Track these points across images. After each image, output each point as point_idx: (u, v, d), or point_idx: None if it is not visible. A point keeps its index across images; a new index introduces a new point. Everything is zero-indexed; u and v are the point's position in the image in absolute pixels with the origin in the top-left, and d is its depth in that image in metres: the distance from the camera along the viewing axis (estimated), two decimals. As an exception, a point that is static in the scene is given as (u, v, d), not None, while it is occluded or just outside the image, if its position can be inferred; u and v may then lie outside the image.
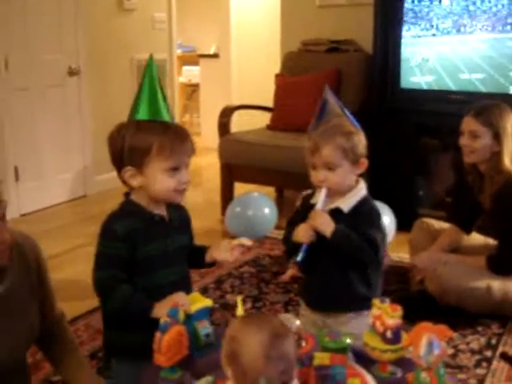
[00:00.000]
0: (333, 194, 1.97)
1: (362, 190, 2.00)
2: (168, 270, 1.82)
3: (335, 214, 1.96)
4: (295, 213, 2.17)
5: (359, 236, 1.91)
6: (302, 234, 1.95)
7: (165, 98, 1.80)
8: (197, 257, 1.94)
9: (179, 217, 1.90)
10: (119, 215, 1.80)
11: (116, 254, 1.74)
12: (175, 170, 1.75)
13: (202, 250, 1.94)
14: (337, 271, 1.99)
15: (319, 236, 1.93)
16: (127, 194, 1.84)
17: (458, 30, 4.00)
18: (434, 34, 4.12)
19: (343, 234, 1.91)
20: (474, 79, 3.96)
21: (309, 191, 2.12)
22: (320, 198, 1.96)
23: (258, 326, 1.28)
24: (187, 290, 1.86)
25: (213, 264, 1.95)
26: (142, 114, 1.75)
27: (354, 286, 1.99)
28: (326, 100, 2.04)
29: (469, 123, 2.88)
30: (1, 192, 1.67)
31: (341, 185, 1.96)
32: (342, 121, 2.00)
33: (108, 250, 1.76)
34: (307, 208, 2.02)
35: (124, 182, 1.80)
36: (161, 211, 1.83)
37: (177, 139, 1.74)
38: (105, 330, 1.88)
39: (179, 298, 1.69)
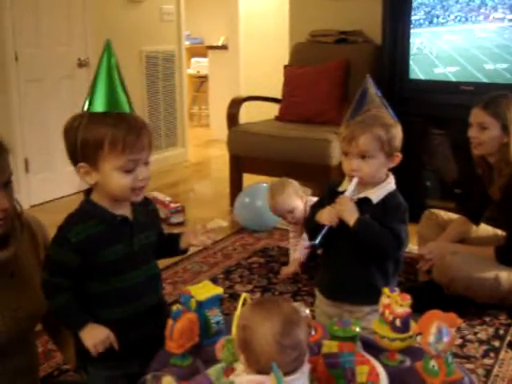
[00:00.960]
0: (363, 184, 1.97)
1: (391, 183, 2.00)
2: (136, 270, 1.74)
3: (363, 203, 1.96)
4: (320, 198, 2.18)
5: (384, 229, 1.91)
6: (326, 216, 1.95)
7: (124, 89, 1.67)
8: (170, 244, 1.88)
9: (145, 213, 1.79)
10: (76, 219, 1.69)
11: (65, 262, 1.66)
12: (130, 170, 1.62)
13: (176, 237, 1.88)
14: (356, 262, 2.00)
15: (342, 224, 1.94)
16: (87, 193, 1.73)
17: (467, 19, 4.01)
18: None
19: (366, 223, 1.92)
20: (486, 69, 3.96)
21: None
22: (350, 187, 1.96)
23: (269, 313, 1.29)
24: (157, 288, 1.84)
25: (186, 250, 1.90)
26: (98, 106, 1.63)
27: (372, 278, 1.99)
28: (365, 89, 2.02)
29: (477, 115, 2.87)
30: (7, 161, 1.66)
31: (373, 176, 1.96)
32: (381, 112, 1.99)
33: (58, 257, 1.67)
34: (332, 194, 2.02)
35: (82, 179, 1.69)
36: (123, 210, 1.72)
37: (130, 133, 1.59)
38: (75, 336, 1.77)
39: (101, 334, 1.64)
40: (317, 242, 1.95)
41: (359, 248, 1.97)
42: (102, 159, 1.60)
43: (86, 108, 1.65)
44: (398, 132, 1.97)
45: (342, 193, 1.99)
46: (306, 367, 1.33)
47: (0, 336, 1.73)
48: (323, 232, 1.94)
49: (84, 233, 1.65)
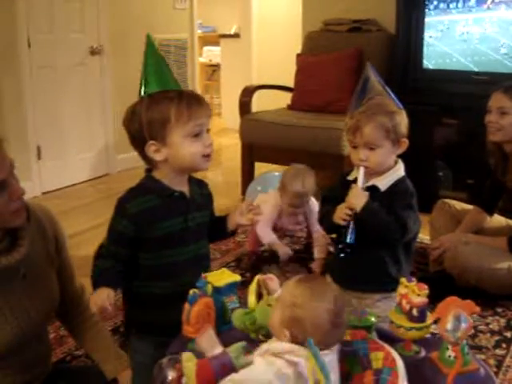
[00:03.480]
0: (371, 172, 1.96)
1: (399, 170, 1.99)
2: (188, 246, 1.81)
3: (371, 191, 1.95)
4: (330, 189, 2.17)
5: (390, 215, 1.90)
6: (338, 214, 1.94)
7: (171, 72, 1.78)
8: (219, 227, 1.93)
9: (200, 193, 1.87)
10: (135, 192, 1.79)
11: (122, 232, 1.76)
12: (197, 134, 1.72)
13: (223, 219, 1.93)
14: (368, 249, 1.98)
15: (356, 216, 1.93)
16: (148, 171, 1.82)
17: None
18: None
19: (372, 210, 1.90)
20: (501, 58, 3.93)
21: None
22: (359, 178, 1.94)
23: (322, 292, 1.34)
24: (206, 267, 1.87)
25: (234, 231, 1.95)
26: (152, 87, 1.72)
27: (384, 265, 1.99)
28: (367, 77, 2.01)
29: (497, 100, 2.84)
30: (5, 150, 1.64)
31: (381, 165, 1.95)
32: (384, 99, 1.98)
33: (116, 225, 1.77)
34: (344, 184, 2.01)
35: (147, 160, 1.78)
36: (182, 187, 1.81)
37: (193, 102, 1.71)
38: (124, 306, 1.90)
39: (101, 296, 1.69)
40: (349, 241, 1.92)
41: (367, 234, 1.95)
42: (170, 132, 1.70)
43: (142, 93, 1.74)
44: (402, 118, 1.95)
45: (352, 181, 1.98)
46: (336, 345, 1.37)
47: (14, 336, 1.73)
48: (349, 229, 1.92)
49: (142, 205, 1.75)
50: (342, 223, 1.92)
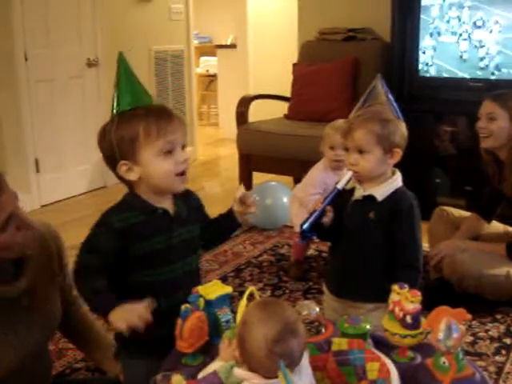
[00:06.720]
0: (366, 180, 1.97)
1: (396, 180, 1.98)
2: (174, 264, 1.76)
3: (369, 201, 1.96)
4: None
5: (403, 237, 1.93)
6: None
7: (140, 84, 1.73)
8: (228, 222, 1.89)
9: (187, 208, 1.81)
10: (119, 208, 1.73)
11: (105, 245, 1.67)
12: (169, 151, 1.65)
13: (230, 213, 1.89)
14: (360, 259, 1.99)
15: (346, 222, 1.94)
16: (131, 187, 1.76)
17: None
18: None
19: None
20: (496, 66, 3.94)
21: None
22: (343, 179, 1.96)
23: (269, 316, 1.26)
24: (196, 283, 1.81)
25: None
26: (124, 105, 1.68)
27: (376, 275, 1.98)
28: (373, 87, 2.04)
29: (486, 106, 2.87)
30: (7, 183, 1.62)
31: (371, 171, 1.95)
32: (382, 108, 1.99)
33: (100, 238, 1.68)
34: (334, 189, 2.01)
35: (122, 180, 1.72)
36: (165, 204, 1.75)
37: (161, 118, 1.65)
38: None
39: (136, 311, 1.56)
40: (304, 227, 1.94)
41: (363, 247, 1.97)
42: (140, 150, 1.64)
43: (114, 112, 1.70)
44: (397, 128, 1.95)
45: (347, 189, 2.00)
46: (305, 368, 1.32)
47: (18, 359, 1.72)
48: (310, 218, 1.93)
49: (127, 221, 1.68)
50: (309, 209, 1.97)
